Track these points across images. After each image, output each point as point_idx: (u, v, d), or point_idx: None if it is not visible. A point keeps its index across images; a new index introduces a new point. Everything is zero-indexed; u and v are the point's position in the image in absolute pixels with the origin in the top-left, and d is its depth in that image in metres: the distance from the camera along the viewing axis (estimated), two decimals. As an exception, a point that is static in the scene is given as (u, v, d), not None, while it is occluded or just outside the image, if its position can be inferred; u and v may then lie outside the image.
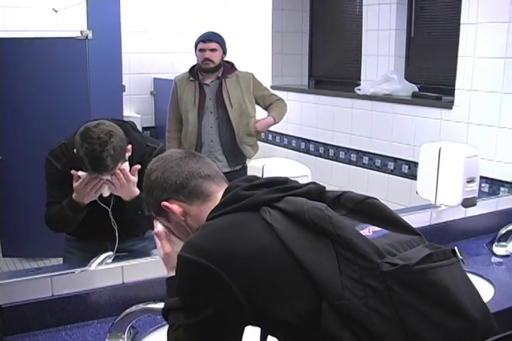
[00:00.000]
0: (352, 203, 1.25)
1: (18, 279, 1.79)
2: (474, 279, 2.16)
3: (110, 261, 1.95)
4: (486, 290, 2.12)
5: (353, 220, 1.21)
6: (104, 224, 2.09)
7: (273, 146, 4.67)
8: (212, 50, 3.41)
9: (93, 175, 1.95)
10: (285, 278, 1.13)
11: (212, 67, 3.43)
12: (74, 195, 2.02)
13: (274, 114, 3.60)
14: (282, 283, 1.13)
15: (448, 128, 3.27)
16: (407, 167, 3.58)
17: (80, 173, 1.97)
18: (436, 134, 3.30)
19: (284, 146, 4.60)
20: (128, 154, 2.03)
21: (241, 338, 1.20)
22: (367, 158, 3.88)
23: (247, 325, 1.19)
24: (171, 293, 1.33)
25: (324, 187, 1.31)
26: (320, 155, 4.27)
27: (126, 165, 1.99)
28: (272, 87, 4.14)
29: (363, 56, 4.01)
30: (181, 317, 1.20)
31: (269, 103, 3.60)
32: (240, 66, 3.56)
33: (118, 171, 1.96)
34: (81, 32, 3.45)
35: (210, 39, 3.42)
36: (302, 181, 1.36)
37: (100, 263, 1.91)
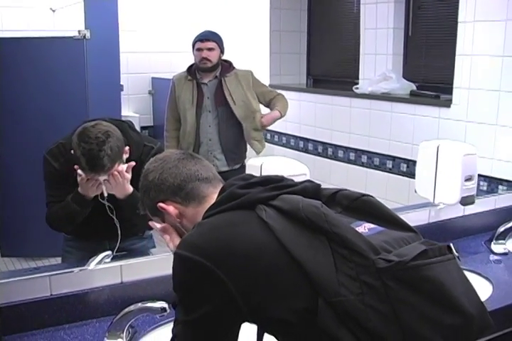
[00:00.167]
0: (347, 201, 1.26)
1: (17, 279, 1.79)
2: (472, 277, 2.18)
3: (109, 260, 1.94)
4: (484, 288, 2.12)
5: (349, 218, 1.22)
6: (103, 223, 2.09)
7: (271, 145, 4.66)
8: (210, 49, 3.41)
9: (90, 175, 1.94)
10: (281, 275, 1.13)
11: (209, 67, 3.43)
12: (79, 189, 2.02)
13: (279, 108, 3.59)
14: (279, 280, 1.13)
15: (446, 127, 3.27)
16: (405, 165, 3.59)
17: (79, 172, 1.96)
18: (434, 133, 3.31)
19: (283, 145, 4.60)
20: (126, 156, 2.03)
21: (238, 335, 1.21)
22: (365, 156, 3.88)
23: (244, 322, 1.19)
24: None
25: (320, 185, 1.32)
26: (318, 154, 4.28)
27: (123, 167, 1.99)
28: (270, 86, 4.12)
29: (361, 55, 4.01)
30: (181, 313, 1.21)
31: (269, 99, 3.60)
32: (238, 65, 3.56)
33: (116, 172, 1.96)
34: (79, 31, 3.45)
35: (208, 38, 3.42)
36: (301, 180, 1.36)
37: (99, 263, 1.91)
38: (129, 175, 2.00)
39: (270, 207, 1.20)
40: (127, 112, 4.55)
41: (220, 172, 3.63)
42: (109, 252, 1.97)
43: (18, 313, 1.75)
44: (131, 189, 2.02)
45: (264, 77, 4.10)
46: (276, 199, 1.22)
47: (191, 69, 3.50)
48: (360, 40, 4.00)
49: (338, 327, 1.07)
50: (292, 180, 1.33)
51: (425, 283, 1.08)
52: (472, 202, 2.58)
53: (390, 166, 3.69)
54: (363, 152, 3.89)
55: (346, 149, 4.02)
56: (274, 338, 1.20)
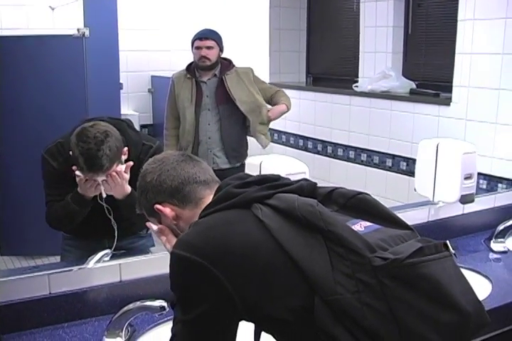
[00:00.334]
0: (343, 199, 1.26)
1: (16, 277, 1.79)
2: (472, 275, 2.18)
3: (108, 258, 1.94)
4: (483, 287, 2.12)
5: (345, 216, 1.22)
6: (102, 222, 2.08)
7: (271, 143, 4.63)
8: (209, 47, 3.41)
9: (88, 174, 1.93)
10: (278, 274, 1.13)
11: (208, 65, 3.43)
12: (79, 189, 2.02)
13: (285, 101, 3.60)
14: (275, 279, 1.13)
15: (446, 125, 3.27)
16: (405, 164, 3.58)
17: (77, 173, 1.95)
18: (434, 131, 3.30)
19: (283, 144, 4.60)
20: (124, 157, 2.02)
21: (236, 333, 1.21)
22: (365, 155, 3.88)
23: (241, 320, 1.20)
24: None
25: (316, 184, 1.32)
26: (318, 153, 4.27)
27: (122, 168, 1.98)
28: (271, 85, 4.13)
29: (360, 53, 4.00)
30: (179, 312, 1.21)
31: (270, 95, 3.60)
32: (238, 63, 3.56)
33: (114, 173, 1.95)
34: (78, 30, 3.44)
35: (207, 37, 3.42)
36: (299, 178, 1.36)
37: (98, 261, 1.91)
38: (127, 176, 2.00)
39: (266, 205, 1.21)
40: (127, 110, 4.54)
41: (220, 170, 3.65)
42: (108, 251, 1.97)
43: (17, 312, 1.75)
44: (129, 189, 2.01)
45: (263, 76, 4.09)
46: (272, 198, 1.22)
47: (190, 68, 3.50)
48: (359, 38, 4.00)
49: (334, 325, 1.08)
50: (288, 179, 1.33)
51: (421, 280, 1.08)
52: (472, 201, 2.58)
53: (390, 164, 3.69)
54: (363, 150, 3.89)
55: (346, 147, 4.02)
56: (271, 336, 1.20)
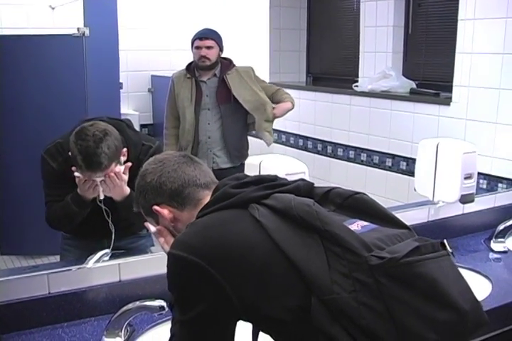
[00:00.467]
0: (340, 199, 1.26)
1: (15, 277, 1.79)
2: (472, 275, 2.18)
3: (107, 258, 1.94)
4: (483, 287, 2.12)
5: (342, 215, 1.22)
6: (101, 222, 2.08)
7: (271, 143, 4.66)
8: (209, 47, 3.40)
9: (86, 173, 1.93)
10: (275, 274, 1.13)
11: (208, 65, 3.42)
12: (78, 190, 2.01)
13: (290, 99, 3.60)
14: (272, 279, 1.13)
15: (446, 125, 3.27)
16: (405, 163, 3.58)
17: (76, 174, 1.95)
18: (434, 131, 3.30)
19: (282, 143, 4.59)
20: (124, 158, 2.02)
21: (234, 333, 1.21)
22: (365, 154, 3.88)
23: (239, 320, 1.20)
24: None
25: (313, 184, 1.32)
26: (318, 152, 4.27)
27: (120, 169, 1.98)
28: (271, 84, 4.13)
29: (360, 53, 4.00)
30: (177, 312, 1.21)
31: (270, 93, 3.59)
32: (238, 63, 3.56)
33: (112, 174, 1.95)
34: (78, 29, 3.44)
35: (207, 36, 3.41)
36: (299, 178, 1.36)
37: (97, 261, 1.91)
38: (126, 177, 1.99)
39: (263, 205, 1.21)
40: (127, 110, 4.54)
41: (220, 170, 3.65)
42: (107, 250, 1.97)
43: (16, 311, 1.75)
44: (128, 190, 2.01)
45: (263, 75, 4.09)
46: (269, 198, 1.23)
47: (190, 67, 3.50)
48: (359, 37, 4.00)
49: (331, 324, 1.08)
50: (285, 179, 1.34)
51: (418, 279, 1.08)
52: (472, 201, 2.58)
53: (390, 164, 3.69)
54: (363, 150, 3.89)
55: (346, 147, 4.02)
56: (269, 336, 1.20)
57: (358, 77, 4.02)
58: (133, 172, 1.92)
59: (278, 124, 4.20)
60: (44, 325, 1.78)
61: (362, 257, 1.09)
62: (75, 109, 3.48)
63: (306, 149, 4.38)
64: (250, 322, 1.21)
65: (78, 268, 1.88)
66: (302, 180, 1.33)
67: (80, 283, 1.85)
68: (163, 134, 3.59)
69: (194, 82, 3.45)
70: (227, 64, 3.50)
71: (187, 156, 1.40)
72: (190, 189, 1.33)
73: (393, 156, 3.66)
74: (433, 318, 1.07)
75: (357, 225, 1.19)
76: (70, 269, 1.87)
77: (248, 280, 1.13)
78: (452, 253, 1.17)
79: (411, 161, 3.43)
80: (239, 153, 3.55)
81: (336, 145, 4.11)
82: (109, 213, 2.07)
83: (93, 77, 3.53)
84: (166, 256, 1.24)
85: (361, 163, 3.91)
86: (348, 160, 4.01)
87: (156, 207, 1.34)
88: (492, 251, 2.52)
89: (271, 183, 1.28)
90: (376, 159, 3.79)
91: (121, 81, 3.97)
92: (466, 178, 2.49)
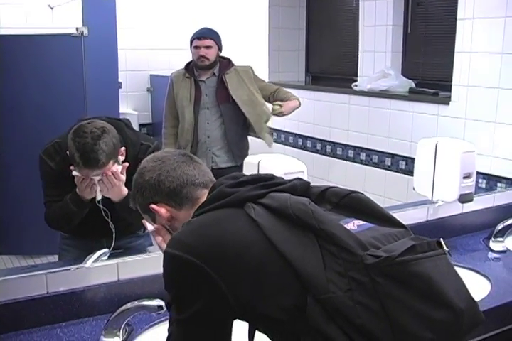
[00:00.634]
0: (337, 198, 1.26)
1: (13, 276, 1.79)
2: (471, 275, 2.18)
3: (106, 258, 1.94)
4: (482, 286, 2.12)
5: (338, 215, 1.22)
6: (100, 222, 2.07)
7: (270, 143, 4.66)
8: (207, 47, 3.40)
9: (84, 171, 1.92)
10: (270, 273, 1.13)
11: (207, 64, 3.42)
12: (77, 189, 2.01)
13: (295, 97, 3.59)
14: (268, 278, 1.13)
15: (445, 124, 3.27)
16: (404, 163, 3.58)
17: (74, 173, 1.95)
18: (433, 130, 3.30)
19: (282, 143, 4.59)
20: (122, 158, 2.01)
21: (231, 332, 1.21)
22: (364, 154, 3.88)
23: (236, 319, 1.20)
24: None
25: (309, 183, 1.32)
26: (317, 152, 4.27)
27: (118, 169, 1.97)
28: (269, 83, 4.13)
29: (359, 52, 4.00)
30: (174, 311, 1.21)
31: (269, 93, 3.59)
32: (237, 62, 3.55)
33: (109, 173, 1.94)
34: (77, 28, 3.43)
35: (205, 36, 3.41)
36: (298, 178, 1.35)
37: (96, 261, 1.91)
38: (123, 177, 1.98)
39: (259, 205, 1.21)
40: (126, 109, 4.54)
41: (219, 169, 3.64)
42: (105, 250, 1.96)
43: (15, 311, 1.75)
44: (126, 191, 2.00)
45: (263, 74, 4.09)
46: (265, 198, 1.23)
47: (189, 67, 3.49)
48: (359, 37, 4.00)
49: (326, 323, 1.08)
50: (282, 178, 1.33)
51: (413, 278, 1.08)
52: (471, 200, 2.58)
53: (389, 163, 3.69)
54: (362, 149, 3.89)
55: (345, 146, 4.02)
56: (266, 336, 1.20)
57: (357, 76, 4.02)
58: (131, 172, 1.91)
59: (277, 123, 4.21)
60: (42, 324, 1.78)
61: (357, 256, 1.09)
62: (73, 108, 3.48)
63: (305, 148, 4.38)
64: (246, 321, 1.21)
65: (77, 268, 1.87)
66: (298, 179, 1.33)
67: (78, 283, 1.85)
68: (162, 134, 3.59)
69: (193, 82, 3.45)
70: (226, 63, 3.49)
71: (186, 155, 1.40)
72: (189, 188, 1.33)
73: (392, 155, 3.66)
74: (429, 317, 1.07)
75: (353, 224, 1.19)
76: (69, 269, 1.87)
77: (244, 279, 1.13)
78: (449, 252, 1.17)
79: (410, 160, 3.43)
80: (239, 152, 3.55)
81: (335, 144, 4.11)
82: (108, 213, 2.06)
83: (92, 76, 3.53)
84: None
85: (360, 162, 3.91)
86: (347, 159, 4.01)
87: (153, 206, 1.34)
88: (491, 250, 2.52)
89: (267, 182, 1.28)
90: (375, 158, 3.79)
91: (120, 80, 3.96)
92: (465, 177, 2.49)
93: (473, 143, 2.62)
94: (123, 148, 2.01)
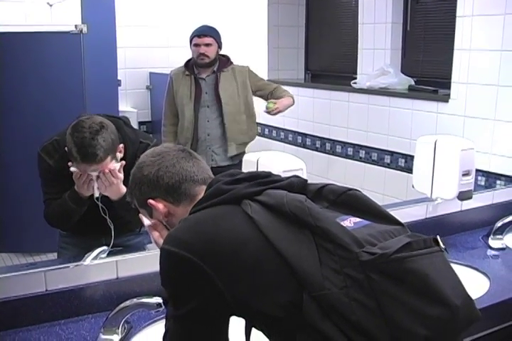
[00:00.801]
0: (334, 195, 1.26)
1: (12, 274, 1.78)
2: (470, 272, 2.17)
3: (104, 255, 1.94)
4: (481, 284, 2.12)
5: (335, 212, 1.22)
6: (99, 220, 2.08)
7: (269, 140, 4.66)
8: (207, 44, 3.40)
9: (81, 166, 1.92)
10: (266, 270, 1.13)
11: (207, 62, 3.42)
12: (75, 187, 2.01)
13: (289, 95, 3.59)
14: (264, 274, 1.13)
15: (444, 122, 3.27)
16: (403, 160, 3.58)
17: (71, 169, 1.95)
18: (432, 127, 3.30)
19: (281, 140, 4.59)
20: (120, 155, 2.01)
21: (227, 328, 1.22)
22: (363, 151, 3.87)
23: (232, 315, 1.20)
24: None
25: (306, 180, 1.32)
26: (316, 149, 4.27)
27: (116, 166, 1.97)
28: (269, 81, 4.12)
29: (359, 50, 4.00)
30: (171, 308, 1.21)
31: (268, 91, 3.59)
32: (237, 60, 3.55)
33: (107, 170, 1.94)
34: (76, 26, 3.43)
35: (205, 34, 3.41)
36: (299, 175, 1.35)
37: (94, 258, 1.90)
38: (121, 175, 1.98)
39: (255, 202, 1.21)
40: (125, 107, 4.54)
41: (218, 167, 3.64)
42: (104, 248, 1.96)
43: (14, 309, 1.75)
44: (124, 189, 1.99)
45: (262, 72, 4.09)
46: (262, 195, 1.23)
47: (189, 64, 3.49)
48: (358, 34, 3.99)
49: (322, 320, 1.08)
50: (279, 176, 1.33)
51: (409, 275, 1.08)
52: (470, 197, 2.58)
53: (388, 161, 3.69)
54: (361, 147, 3.88)
55: (344, 144, 4.02)
56: (262, 333, 1.20)
57: (356, 74, 4.02)
58: (130, 171, 1.92)
59: (276, 121, 4.21)
60: (41, 322, 1.78)
61: (353, 253, 1.09)
62: (72, 106, 3.48)
63: (304, 146, 4.38)
64: (243, 317, 1.21)
65: (75, 266, 1.87)
66: (296, 176, 1.33)
67: (77, 280, 1.85)
68: (161, 131, 3.59)
69: (193, 79, 3.45)
70: (225, 61, 3.50)
71: (186, 151, 1.39)
72: (187, 184, 1.33)
73: (392, 153, 3.66)
74: (424, 314, 1.07)
75: (349, 221, 1.19)
76: (68, 266, 1.87)
77: (240, 276, 1.13)
78: (445, 249, 1.16)
79: (409, 158, 3.43)
80: (241, 150, 3.54)
81: (334, 142, 4.11)
82: (106, 211, 2.06)
83: (91, 74, 3.53)
84: (163, 254, 1.24)
85: (360, 159, 3.91)
86: (347, 157, 4.01)
87: (151, 201, 1.33)
88: (490, 248, 2.52)
89: (264, 180, 1.28)
90: (374, 156, 3.79)
91: (119, 78, 3.97)
92: (464, 175, 2.49)
93: (472, 140, 2.63)
94: (121, 145, 2.01)
